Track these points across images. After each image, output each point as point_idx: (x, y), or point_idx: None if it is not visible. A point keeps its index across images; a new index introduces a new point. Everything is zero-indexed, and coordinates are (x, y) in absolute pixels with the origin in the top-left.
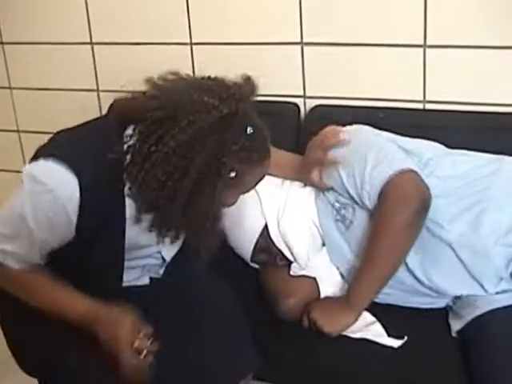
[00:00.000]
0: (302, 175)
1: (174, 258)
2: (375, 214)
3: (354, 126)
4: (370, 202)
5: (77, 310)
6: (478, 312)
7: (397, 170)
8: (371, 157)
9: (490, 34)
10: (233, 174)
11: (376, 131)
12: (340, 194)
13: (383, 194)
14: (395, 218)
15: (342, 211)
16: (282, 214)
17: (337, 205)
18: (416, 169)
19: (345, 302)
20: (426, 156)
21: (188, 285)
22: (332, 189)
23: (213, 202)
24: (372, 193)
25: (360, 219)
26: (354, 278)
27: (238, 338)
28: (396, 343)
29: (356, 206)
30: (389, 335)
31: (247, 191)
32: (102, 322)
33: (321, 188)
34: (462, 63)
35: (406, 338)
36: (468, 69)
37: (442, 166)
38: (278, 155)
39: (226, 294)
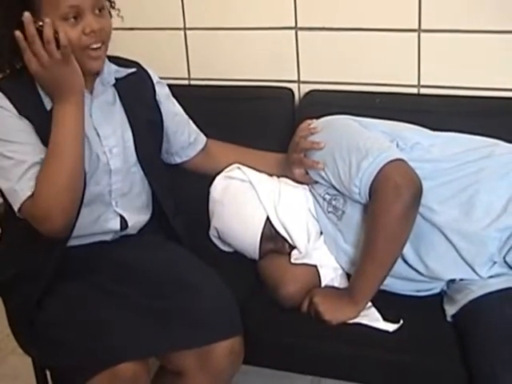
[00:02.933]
0: (287, 173)
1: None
2: (369, 209)
3: (329, 118)
4: (360, 198)
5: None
6: (472, 296)
7: (384, 161)
8: (354, 151)
9: (485, 18)
10: None
11: (354, 118)
12: (329, 187)
13: (374, 189)
14: (389, 211)
15: (333, 202)
16: (277, 202)
17: (327, 197)
18: (402, 157)
19: (348, 296)
20: (413, 140)
21: (177, 261)
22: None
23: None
24: (362, 189)
25: (351, 208)
26: (355, 275)
27: (223, 302)
28: (391, 327)
29: (347, 196)
30: (384, 319)
31: (61, 13)
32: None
33: (308, 183)
34: (457, 48)
35: (401, 322)
36: (463, 54)
37: (431, 150)
38: (263, 155)
39: (214, 275)
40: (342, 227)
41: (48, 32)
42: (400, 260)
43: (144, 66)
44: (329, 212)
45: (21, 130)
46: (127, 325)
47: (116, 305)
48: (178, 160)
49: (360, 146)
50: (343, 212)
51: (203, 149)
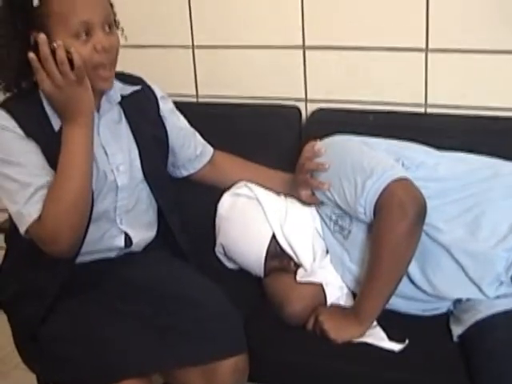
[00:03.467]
0: (293, 194)
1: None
2: (374, 228)
3: (333, 138)
4: (366, 217)
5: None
6: (479, 316)
7: (388, 180)
8: (358, 171)
9: (492, 38)
10: (36, 2)
11: (358, 139)
12: (335, 207)
13: (378, 207)
14: (394, 229)
15: (340, 221)
16: (284, 220)
17: (333, 216)
18: (407, 175)
19: (353, 315)
20: (418, 159)
21: (182, 278)
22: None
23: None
24: (367, 208)
25: (358, 227)
26: (361, 294)
27: (227, 320)
28: (397, 347)
29: (352, 216)
30: (390, 339)
31: (72, 30)
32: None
33: (315, 204)
34: (464, 67)
35: (406, 341)
36: (470, 73)
37: (436, 169)
38: (270, 172)
39: (219, 292)
40: (348, 246)
41: (61, 53)
42: (406, 280)
43: (147, 81)
44: (335, 231)
45: (27, 151)
46: (131, 341)
47: (120, 321)
48: (185, 173)
49: (364, 165)
50: (349, 231)
51: (210, 160)
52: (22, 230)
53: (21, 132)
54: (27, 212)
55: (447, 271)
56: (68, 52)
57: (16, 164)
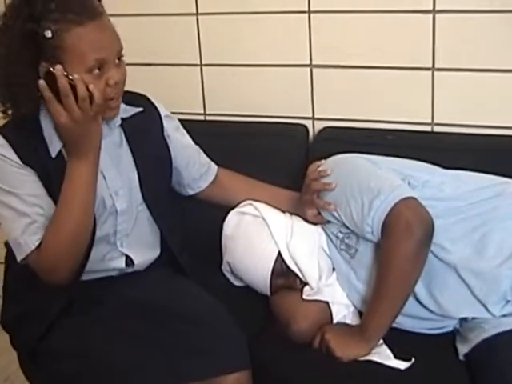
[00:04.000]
0: (299, 213)
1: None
2: (381, 247)
3: (339, 157)
4: (373, 236)
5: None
6: (485, 335)
7: (395, 200)
8: (365, 191)
9: (499, 57)
10: (49, 34)
11: (363, 156)
12: (342, 226)
13: (386, 227)
14: (401, 249)
15: (346, 240)
16: (290, 237)
17: (340, 235)
18: (413, 195)
19: (360, 333)
20: (423, 178)
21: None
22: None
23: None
24: (375, 227)
25: (364, 246)
26: (367, 312)
27: (230, 336)
28: (403, 365)
29: (359, 235)
30: (396, 357)
31: (87, 66)
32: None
33: (321, 223)
34: (471, 86)
35: (413, 360)
36: (476, 92)
37: (442, 188)
38: (275, 191)
39: (222, 309)
40: (354, 265)
41: (83, 89)
42: (412, 299)
43: (152, 99)
44: (341, 250)
45: (23, 179)
46: (132, 358)
47: (121, 339)
48: (191, 192)
49: (371, 185)
50: (356, 250)
51: (215, 179)
52: (19, 258)
53: (18, 159)
54: (24, 242)
55: (454, 290)
56: (87, 88)
57: (11, 192)
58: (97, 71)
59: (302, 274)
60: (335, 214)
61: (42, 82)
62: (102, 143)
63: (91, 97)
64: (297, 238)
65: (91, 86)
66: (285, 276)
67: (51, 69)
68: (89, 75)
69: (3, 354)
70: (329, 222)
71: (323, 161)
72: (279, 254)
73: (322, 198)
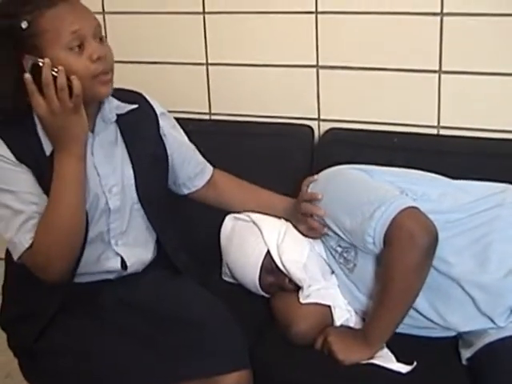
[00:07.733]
0: (293, 222)
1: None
2: (383, 258)
3: (335, 170)
4: (375, 246)
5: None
6: (488, 340)
7: (397, 210)
8: (365, 204)
9: (506, 60)
10: (25, 24)
11: (359, 167)
12: (341, 239)
13: (388, 238)
14: (404, 260)
15: (345, 254)
16: (281, 240)
17: (339, 249)
18: (415, 204)
19: (362, 337)
20: (420, 191)
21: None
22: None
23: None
24: (376, 238)
25: (363, 260)
26: (370, 318)
27: (229, 335)
28: (405, 369)
29: (358, 249)
30: (398, 361)
31: (64, 42)
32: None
33: (316, 238)
34: (477, 89)
35: (415, 363)
36: (483, 95)
37: (441, 200)
38: (272, 198)
39: (220, 308)
40: (354, 279)
41: (62, 79)
42: (416, 314)
43: (147, 97)
44: (340, 263)
45: (18, 177)
46: (130, 356)
47: (119, 337)
48: (186, 191)
49: (371, 198)
50: (354, 265)
51: (210, 179)
52: (15, 258)
53: (12, 157)
54: (19, 241)
55: (458, 305)
56: (68, 79)
57: (6, 191)
58: (77, 49)
59: (287, 272)
60: (334, 228)
61: (27, 75)
62: (96, 138)
63: (71, 87)
64: (289, 240)
65: (73, 77)
66: (274, 274)
67: (39, 63)
68: (70, 54)
69: (5, 351)
70: (327, 235)
71: (316, 176)
72: (268, 252)
73: (315, 219)
